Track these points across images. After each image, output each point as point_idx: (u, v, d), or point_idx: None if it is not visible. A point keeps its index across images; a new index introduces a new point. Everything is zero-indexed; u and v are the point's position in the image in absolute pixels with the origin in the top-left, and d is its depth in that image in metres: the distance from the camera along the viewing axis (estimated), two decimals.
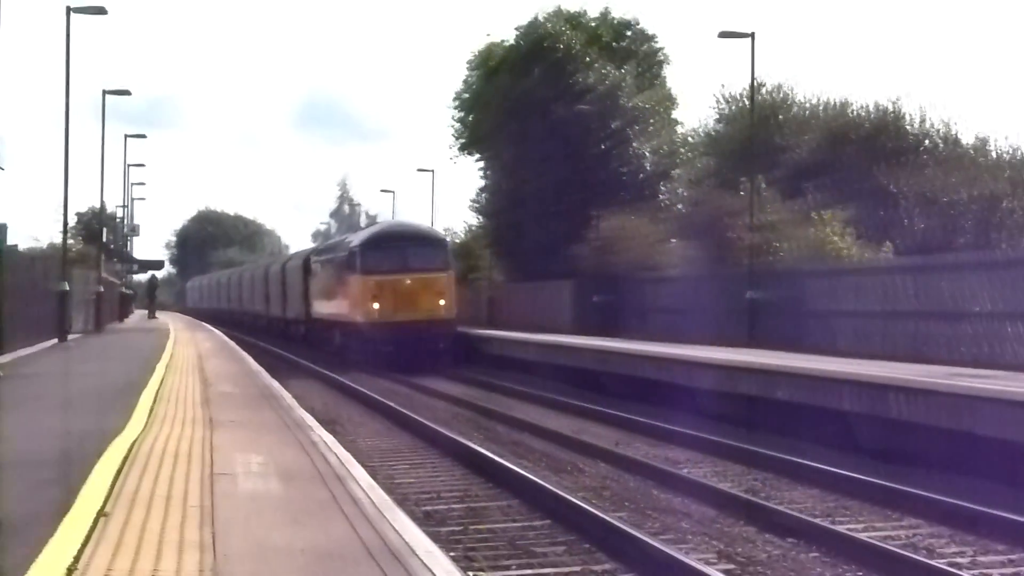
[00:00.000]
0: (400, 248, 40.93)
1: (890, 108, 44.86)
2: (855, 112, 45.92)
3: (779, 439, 19.72)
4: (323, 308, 48.51)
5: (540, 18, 53.67)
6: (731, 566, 11.18)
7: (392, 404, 26.11)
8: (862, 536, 12.31)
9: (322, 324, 48.86)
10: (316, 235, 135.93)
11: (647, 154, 51.27)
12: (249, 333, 63.12)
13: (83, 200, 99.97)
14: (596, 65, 50.72)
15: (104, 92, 50.80)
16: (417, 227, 46.05)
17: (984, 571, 11.02)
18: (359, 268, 40.69)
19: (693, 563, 10.60)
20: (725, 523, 13.30)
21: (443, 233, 44.89)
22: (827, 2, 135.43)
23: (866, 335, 27.95)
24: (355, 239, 44.91)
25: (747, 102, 40.81)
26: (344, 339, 44.15)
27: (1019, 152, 41.70)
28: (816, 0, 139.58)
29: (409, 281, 39.86)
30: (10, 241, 32.94)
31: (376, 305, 39.53)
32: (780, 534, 12.62)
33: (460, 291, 46.01)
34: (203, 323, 74.01)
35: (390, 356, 38.07)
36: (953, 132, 43.90)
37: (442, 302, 40.11)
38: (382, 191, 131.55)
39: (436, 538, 9.98)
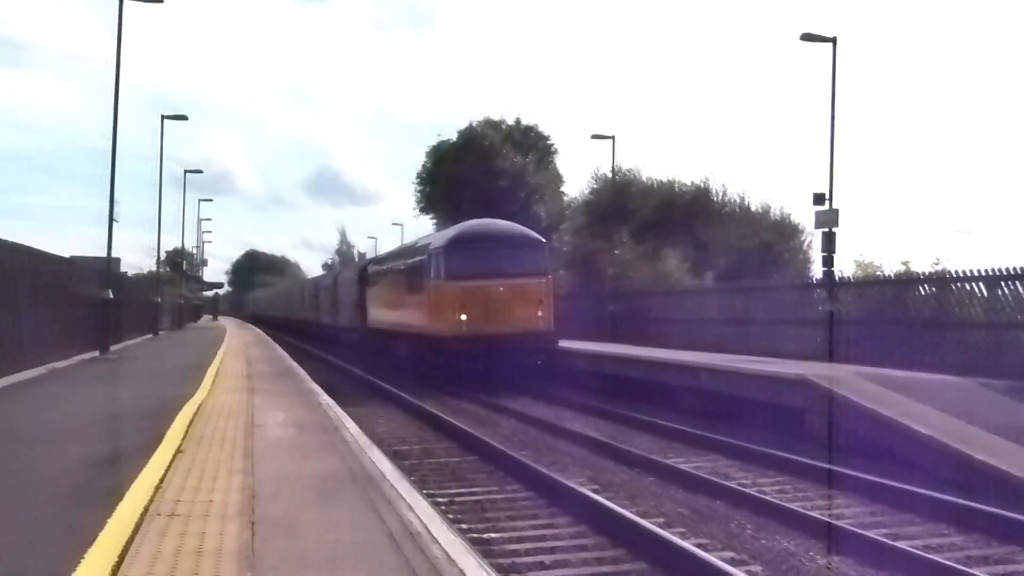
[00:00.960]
0: (491, 250, 24.91)
1: (702, 184, 45.33)
2: (679, 187, 46.29)
3: (630, 403, 19.82)
4: (385, 317, 32.08)
5: (473, 123, 53.77)
6: (596, 486, 11.27)
7: (371, 378, 25.91)
8: (683, 467, 12.43)
9: (383, 334, 32.53)
10: (324, 266, 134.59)
11: (543, 215, 51.36)
12: (293, 336, 55.60)
13: (170, 242, 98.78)
14: (509, 155, 50.78)
15: (185, 171, 51.57)
16: (510, 226, 26.67)
17: (760, 488, 11.19)
18: (443, 273, 24.95)
19: (572, 484, 10.69)
20: (593, 459, 13.37)
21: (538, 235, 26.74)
22: (661, 110, 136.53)
23: (689, 335, 28.16)
24: (436, 240, 27.03)
25: (610, 179, 41.02)
26: (415, 352, 28.27)
27: (787, 215, 42.23)
28: (653, 107, 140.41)
29: (502, 288, 24.41)
30: (121, 269, 33.00)
31: (463, 316, 24.22)
32: (629, 465, 12.73)
33: None
34: (250, 325, 73.23)
35: (476, 373, 24.10)
36: (745, 200, 44.35)
37: (540, 313, 24.67)
38: (368, 237, 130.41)
39: (401, 468, 9.98)
